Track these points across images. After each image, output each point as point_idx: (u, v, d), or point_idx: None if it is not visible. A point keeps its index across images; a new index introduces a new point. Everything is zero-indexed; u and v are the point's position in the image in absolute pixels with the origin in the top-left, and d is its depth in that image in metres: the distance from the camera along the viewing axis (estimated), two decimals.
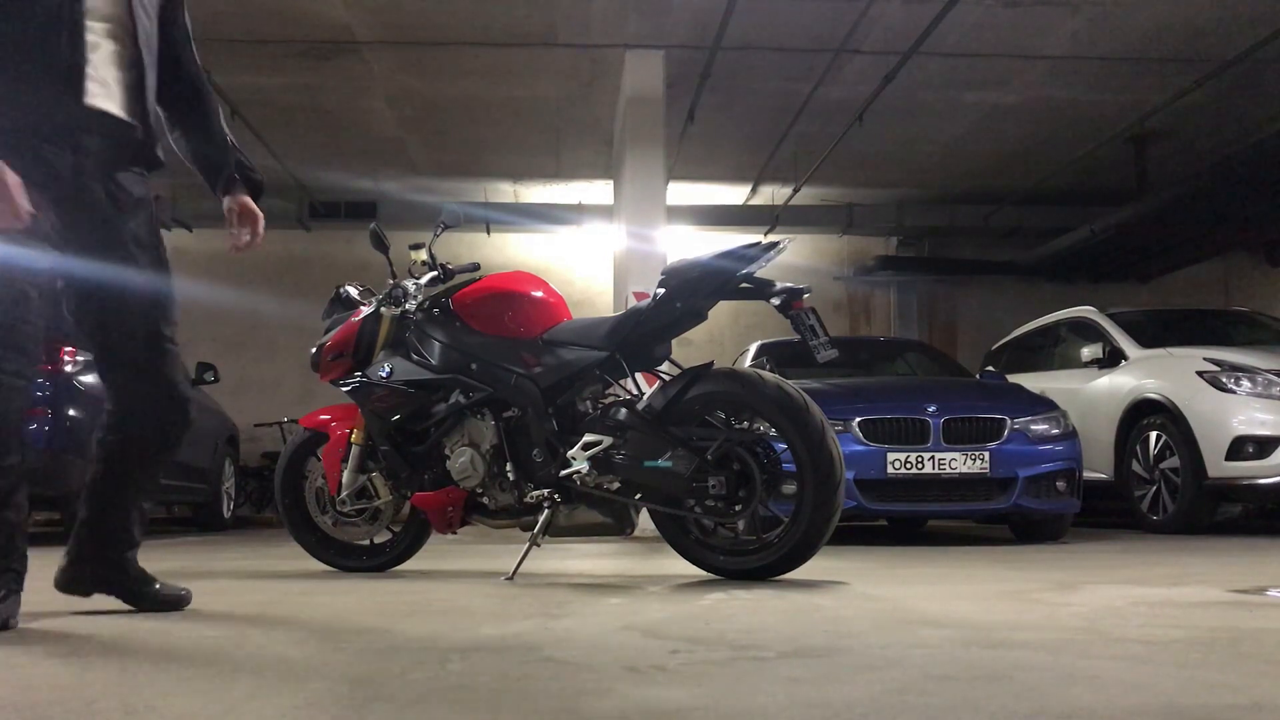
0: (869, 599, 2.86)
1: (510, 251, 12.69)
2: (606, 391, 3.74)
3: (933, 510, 5.94)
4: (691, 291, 3.41)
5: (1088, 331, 7.72)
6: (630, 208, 8.27)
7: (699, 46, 8.01)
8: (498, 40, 8.04)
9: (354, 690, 1.63)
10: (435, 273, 4.07)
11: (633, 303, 4.13)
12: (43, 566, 4.34)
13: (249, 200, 2.94)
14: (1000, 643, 2.04)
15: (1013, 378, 7.23)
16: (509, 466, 3.64)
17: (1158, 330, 7.42)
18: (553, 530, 3.67)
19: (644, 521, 3.93)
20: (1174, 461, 6.38)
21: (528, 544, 3.61)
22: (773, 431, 3.36)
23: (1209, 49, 8.09)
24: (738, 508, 3.34)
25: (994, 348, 9.17)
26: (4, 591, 2.40)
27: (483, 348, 3.72)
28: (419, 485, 3.83)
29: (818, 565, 3.83)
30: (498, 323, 3.73)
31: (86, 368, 6.23)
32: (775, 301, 3.35)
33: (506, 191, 12.23)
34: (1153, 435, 6.60)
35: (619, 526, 3.64)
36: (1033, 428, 5.69)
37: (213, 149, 2.86)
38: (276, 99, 9.23)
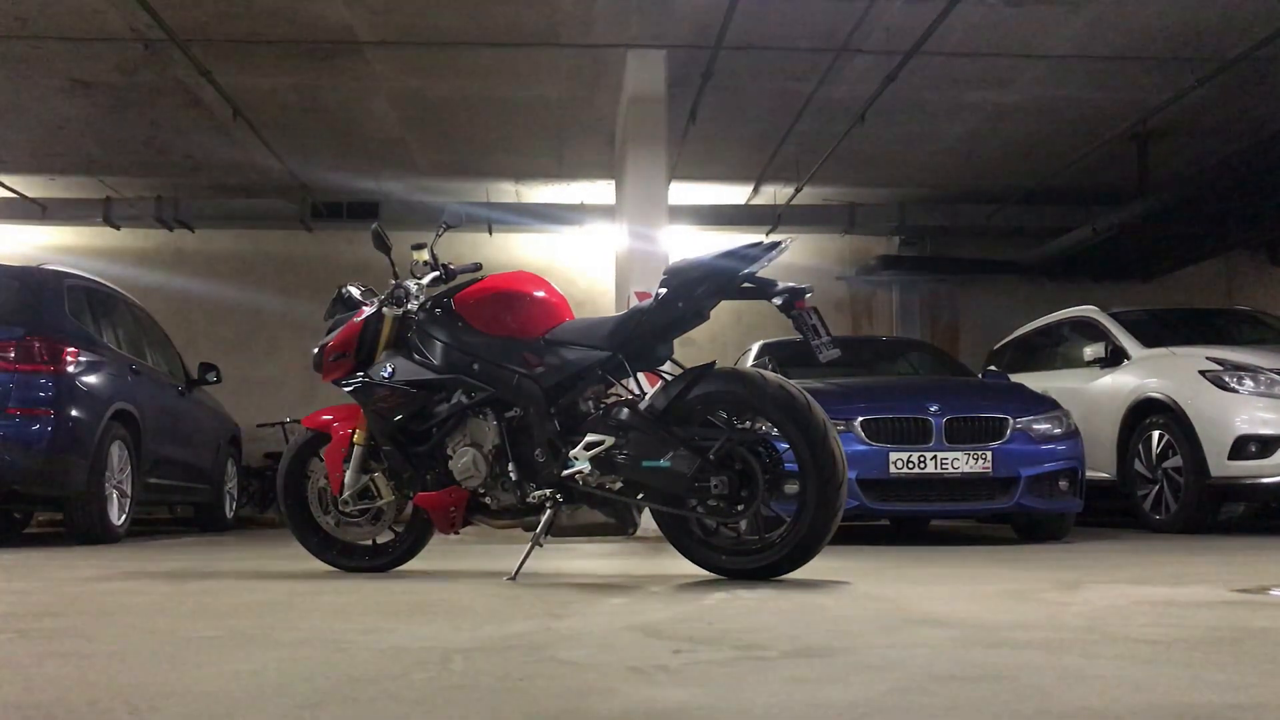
0: (871, 599, 2.86)
1: (512, 251, 12.68)
2: (609, 391, 3.74)
3: (935, 510, 5.94)
4: (693, 291, 3.41)
5: (1090, 331, 7.72)
6: (632, 207, 8.26)
7: (701, 46, 8.00)
8: (500, 40, 8.04)
9: (356, 690, 1.64)
10: (437, 273, 4.07)
11: (635, 302, 4.13)
12: (45, 565, 4.35)
13: None
14: (1003, 643, 2.04)
15: (1015, 377, 7.23)
16: (511, 466, 3.64)
17: (1160, 329, 7.42)
18: (555, 530, 3.67)
19: (646, 521, 3.93)
20: (1176, 461, 6.38)
21: (530, 544, 3.61)
22: (775, 431, 3.36)
23: (1211, 48, 8.08)
24: (740, 507, 3.34)
25: (996, 347, 9.17)
26: None
27: (485, 348, 3.72)
28: (421, 485, 3.83)
29: (820, 565, 3.83)
30: (500, 323, 3.73)
31: (89, 368, 6.23)
32: (777, 301, 3.35)
33: (508, 191, 12.23)
34: (1155, 434, 6.60)
35: (621, 526, 3.64)
36: (1035, 427, 5.69)
37: None
38: (278, 99, 9.23)
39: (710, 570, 3.49)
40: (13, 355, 5.87)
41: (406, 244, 4.11)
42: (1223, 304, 11.83)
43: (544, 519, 3.57)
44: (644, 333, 3.52)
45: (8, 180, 11.39)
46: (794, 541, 3.28)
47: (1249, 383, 6.22)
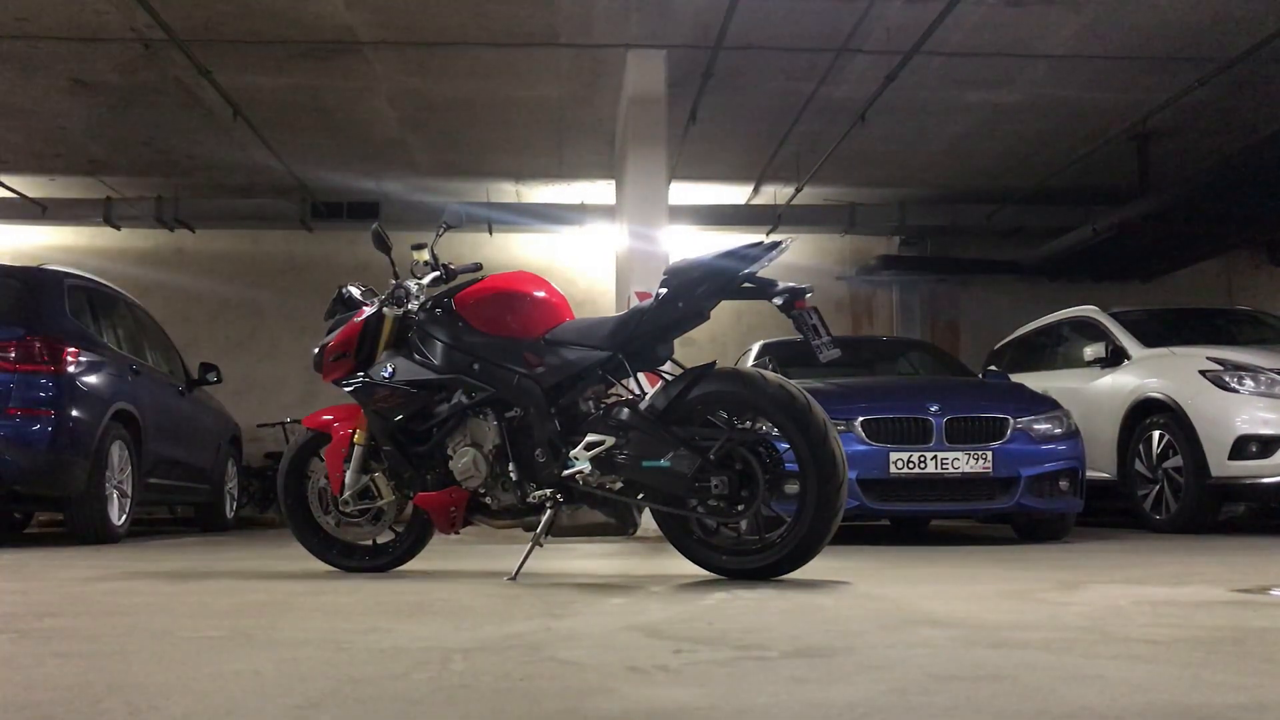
0: (872, 599, 2.86)
1: (513, 251, 12.69)
2: (609, 391, 3.74)
3: (935, 510, 5.94)
4: (694, 291, 3.41)
5: (1090, 331, 7.72)
6: (632, 207, 8.26)
7: (701, 46, 8.00)
8: (500, 40, 8.04)
9: (356, 690, 1.64)
10: (437, 273, 4.06)
11: (635, 302, 4.13)
12: (45, 566, 4.35)
13: None
14: (1003, 642, 2.04)
15: (1015, 377, 7.22)
16: (511, 466, 3.63)
17: (1160, 329, 7.42)
18: (555, 530, 3.67)
19: (646, 521, 3.93)
20: (1177, 461, 6.38)
21: (530, 544, 3.61)
22: (775, 431, 3.36)
23: (1212, 47, 8.08)
24: (740, 507, 3.33)
25: (996, 347, 9.17)
26: None
27: (485, 348, 3.72)
28: (422, 485, 3.83)
29: (820, 565, 3.83)
30: (500, 323, 3.73)
31: (89, 368, 6.23)
32: (777, 301, 3.34)
33: (509, 191, 12.23)
34: (1155, 434, 6.60)
35: (621, 526, 3.64)
36: (1035, 427, 5.68)
37: None
38: (278, 100, 9.23)
39: (710, 570, 3.49)
40: (13, 355, 5.87)
41: (406, 244, 4.11)
42: (1223, 304, 11.83)
43: (544, 519, 3.57)
44: (644, 333, 3.51)
45: (8, 180, 11.39)
46: (794, 541, 3.28)
47: (1249, 383, 6.22)
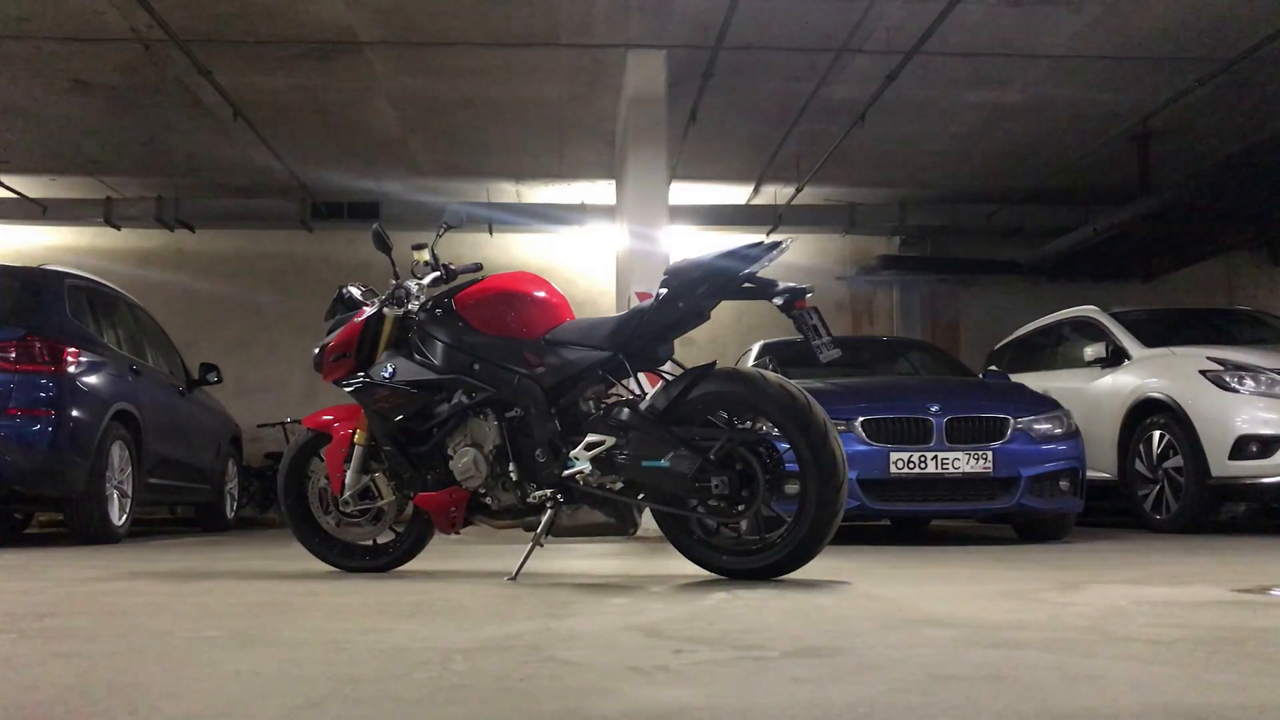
0: (872, 599, 2.86)
1: (513, 251, 12.69)
2: (609, 392, 3.74)
3: (936, 510, 5.93)
4: (694, 291, 3.41)
5: (1090, 331, 7.72)
6: (633, 208, 8.26)
7: (701, 46, 8.00)
8: (500, 40, 8.04)
9: (357, 690, 1.64)
10: (438, 273, 4.06)
11: (635, 303, 4.13)
12: (46, 566, 4.35)
13: None
14: (1003, 643, 2.04)
15: (1016, 377, 7.22)
16: (512, 467, 3.64)
17: (1161, 329, 7.42)
18: (555, 530, 3.67)
19: (647, 521, 3.93)
20: (1177, 461, 6.38)
21: (530, 544, 3.61)
22: (775, 431, 3.36)
23: (1212, 47, 8.08)
24: (741, 508, 3.34)
25: (997, 347, 9.17)
26: None
27: (485, 348, 3.73)
28: (422, 485, 3.83)
29: (820, 565, 3.83)
30: (500, 323, 3.73)
31: (90, 368, 6.23)
32: (778, 301, 3.35)
33: (509, 191, 12.23)
34: (1156, 434, 6.60)
35: (622, 526, 3.64)
36: (1036, 427, 5.68)
37: None
38: (279, 100, 9.23)
39: (710, 570, 3.49)
40: (13, 355, 5.88)
41: (407, 244, 4.11)
42: (1223, 304, 11.83)
43: (544, 519, 3.57)
44: (645, 333, 3.51)
45: (8, 180, 11.39)
46: (794, 541, 3.28)
47: (1249, 383, 6.22)
